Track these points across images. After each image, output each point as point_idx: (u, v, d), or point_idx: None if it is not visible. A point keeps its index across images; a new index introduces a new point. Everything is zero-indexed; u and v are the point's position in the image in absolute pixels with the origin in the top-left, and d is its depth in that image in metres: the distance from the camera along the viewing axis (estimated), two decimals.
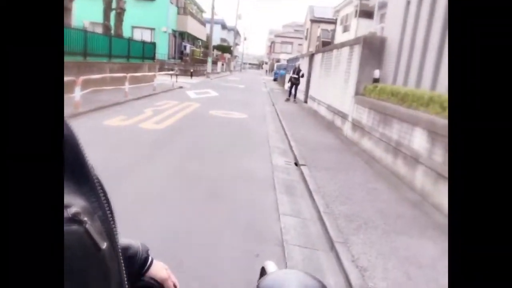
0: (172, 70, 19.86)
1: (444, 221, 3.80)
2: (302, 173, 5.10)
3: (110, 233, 0.40)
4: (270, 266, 0.76)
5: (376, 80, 7.71)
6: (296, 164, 5.73)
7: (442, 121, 4.31)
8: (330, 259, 3.06)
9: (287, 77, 18.56)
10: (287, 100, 15.35)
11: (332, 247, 3.17)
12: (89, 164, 0.40)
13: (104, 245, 0.38)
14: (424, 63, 6.15)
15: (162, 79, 16.57)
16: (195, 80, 23.50)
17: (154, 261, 0.69)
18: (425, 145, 4.58)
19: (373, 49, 7.92)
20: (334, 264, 2.97)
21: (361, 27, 19.56)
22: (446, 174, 4.00)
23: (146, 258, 0.68)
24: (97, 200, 0.40)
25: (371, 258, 2.97)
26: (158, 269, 0.69)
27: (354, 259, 2.93)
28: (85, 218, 0.36)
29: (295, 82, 15.40)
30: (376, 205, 4.12)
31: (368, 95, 7.38)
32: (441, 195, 4.09)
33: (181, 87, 16.90)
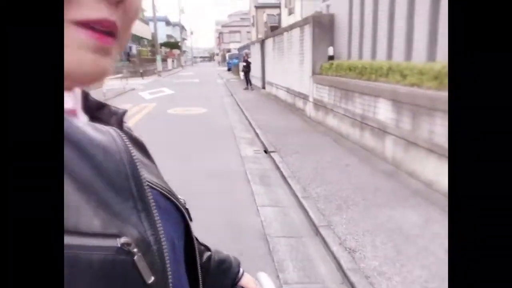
0: (120, 73, 18.95)
1: (421, 187, 3.82)
2: (273, 161, 4.97)
3: (163, 268, 0.39)
4: (263, 279, 0.77)
5: (331, 58, 7.69)
6: (265, 151, 5.58)
7: (404, 88, 4.32)
8: (317, 245, 2.95)
9: (241, 66, 18.47)
10: (246, 89, 15.37)
11: (317, 232, 3.06)
12: (151, 198, 0.39)
13: (151, 280, 0.36)
14: (377, 33, 6.17)
15: (112, 83, 15.73)
16: (147, 80, 22.65)
17: (245, 273, 0.78)
18: (390, 115, 4.58)
19: (323, 28, 7.89)
20: (322, 250, 2.87)
21: (305, 8, 19.58)
22: (416, 141, 4.01)
23: (238, 271, 0.76)
24: (155, 233, 0.38)
25: (358, 237, 2.90)
26: (248, 281, 0.77)
27: (341, 241, 2.84)
28: (135, 250, 0.35)
29: (246, 70, 15.89)
30: (352, 181, 4.07)
31: (326, 73, 7.36)
32: (412, 162, 4.11)
33: (133, 89, 16.18)
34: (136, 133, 0.49)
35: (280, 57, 11.55)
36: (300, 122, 7.81)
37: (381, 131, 4.84)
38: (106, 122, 0.41)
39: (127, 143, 0.39)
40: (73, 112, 0.39)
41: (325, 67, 7.44)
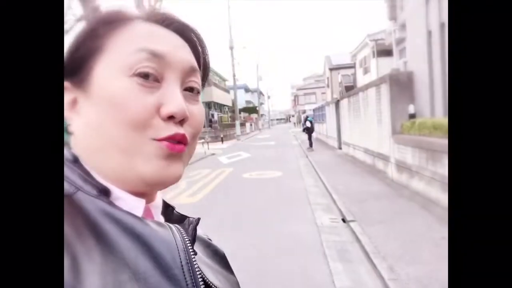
0: (203, 138, 20.21)
1: None
2: (353, 231, 4.53)
3: None
4: None
5: (412, 116, 7.21)
6: (343, 220, 5.16)
7: None
8: None
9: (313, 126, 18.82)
10: (309, 149, 15.60)
11: None
12: None
13: None
14: None
15: None
16: (226, 144, 23.76)
17: None
18: None
19: (401, 85, 7.54)
20: None
21: (381, 66, 19.41)
22: None
23: None
24: None
25: None
26: None
27: None
28: None
29: (308, 133, 16.48)
30: None
31: (407, 132, 6.86)
32: None
33: (213, 154, 16.97)
34: (217, 244, 0.56)
35: (356, 116, 11.26)
36: (381, 185, 7.22)
37: None
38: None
39: (184, 236, 0.42)
40: (150, 216, 0.45)
41: (406, 126, 6.96)
